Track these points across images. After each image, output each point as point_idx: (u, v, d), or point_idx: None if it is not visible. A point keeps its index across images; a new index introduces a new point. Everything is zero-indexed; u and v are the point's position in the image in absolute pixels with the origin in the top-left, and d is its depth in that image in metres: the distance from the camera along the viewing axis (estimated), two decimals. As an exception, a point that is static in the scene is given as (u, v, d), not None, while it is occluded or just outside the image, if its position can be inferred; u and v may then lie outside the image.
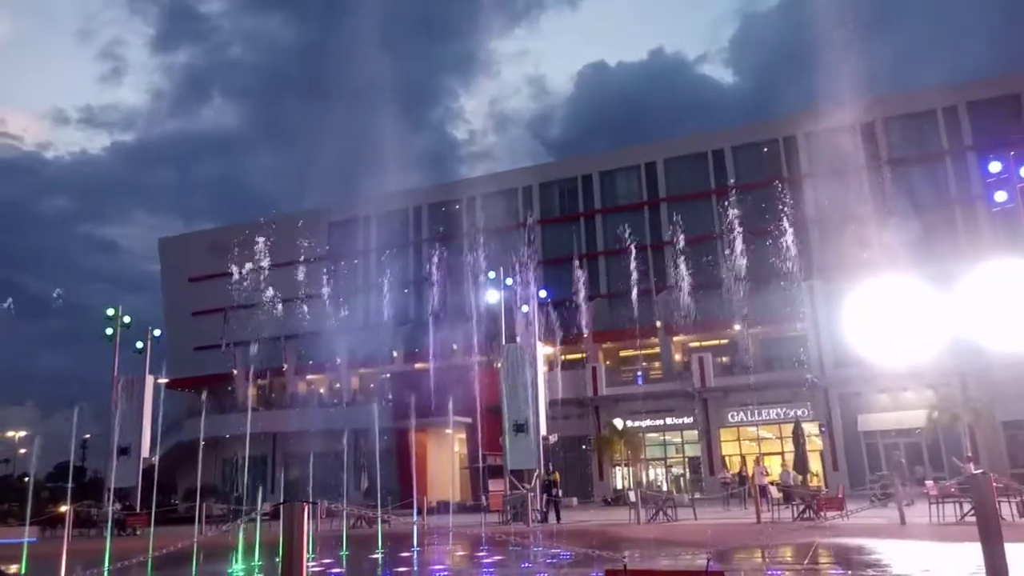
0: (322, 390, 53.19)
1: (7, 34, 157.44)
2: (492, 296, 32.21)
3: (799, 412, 38.84)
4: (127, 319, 34.64)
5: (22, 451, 54.62)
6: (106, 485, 32.67)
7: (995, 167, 20.98)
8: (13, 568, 14.91)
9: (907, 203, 42.33)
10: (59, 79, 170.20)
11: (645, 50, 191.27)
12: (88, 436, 50.89)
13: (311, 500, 6.44)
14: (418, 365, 45.11)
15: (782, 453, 38.94)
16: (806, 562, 13.07)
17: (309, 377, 54.23)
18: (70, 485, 30.73)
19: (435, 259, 47.26)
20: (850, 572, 11.50)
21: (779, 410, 40.21)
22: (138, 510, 30.72)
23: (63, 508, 28.17)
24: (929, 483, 21.08)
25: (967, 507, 17.32)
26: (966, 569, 10.73)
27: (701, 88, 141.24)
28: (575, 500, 38.39)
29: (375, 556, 16.46)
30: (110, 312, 34.40)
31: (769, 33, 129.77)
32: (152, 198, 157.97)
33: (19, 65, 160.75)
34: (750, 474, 31.04)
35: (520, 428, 27.73)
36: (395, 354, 49.47)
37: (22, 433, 52.32)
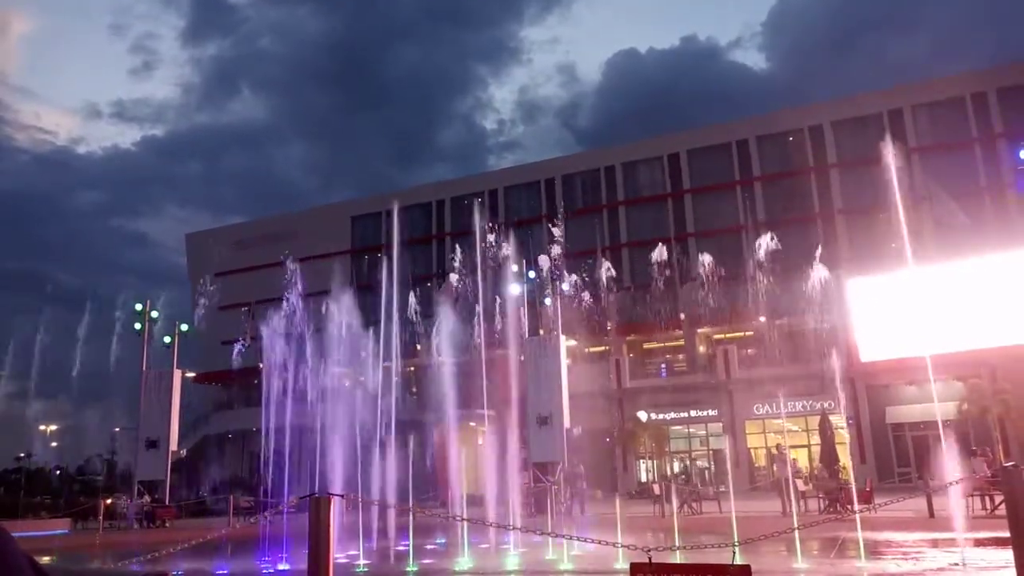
0: (347, 383, 53.48)
1: (41, 29, 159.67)
2: (515, 289, 32.17)
3: (826, 404, 38.46)
4: (155, 313, 34.99)
5: (53, 444, 55.48)
6: (135, 478, 33.11)
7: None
8: (45, 559, 15.16)
9: (935, 192, 41.67)
10: (91, 74, 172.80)
11: (677, 36, 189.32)
12: (118, 429, 51.62)
13: (337, 493, 6.49)
14: (440, 359, 45.21)
15: (808, 446, 38.65)
16: (832, 555, 12.97)
17: (334, 371, 54.55)
18: (100, 478, 31.17)
19: (458, 252, 47.28)
20: (877, 563, 11.39)
21: (805, 402, 39.82)
22: (167, 503, 31.15)
23: (94, 501, 28.61)
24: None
25: (997, 500, 17.09)
26: (997, 561, 10.58)
27: (733, 75, 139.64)
28: (599, 493, 38.34)
29: (399, 547, 16.55)
30: (139, 307, 34.76)
31: (803, 16, 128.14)
32: (182, 191, 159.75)
33: (52, 60, 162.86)
34: (772, 461, 30.38)
35: (544, 421, 27.74)
36: (418, 347, 49.62)
37: (53, 427, 53.14)
